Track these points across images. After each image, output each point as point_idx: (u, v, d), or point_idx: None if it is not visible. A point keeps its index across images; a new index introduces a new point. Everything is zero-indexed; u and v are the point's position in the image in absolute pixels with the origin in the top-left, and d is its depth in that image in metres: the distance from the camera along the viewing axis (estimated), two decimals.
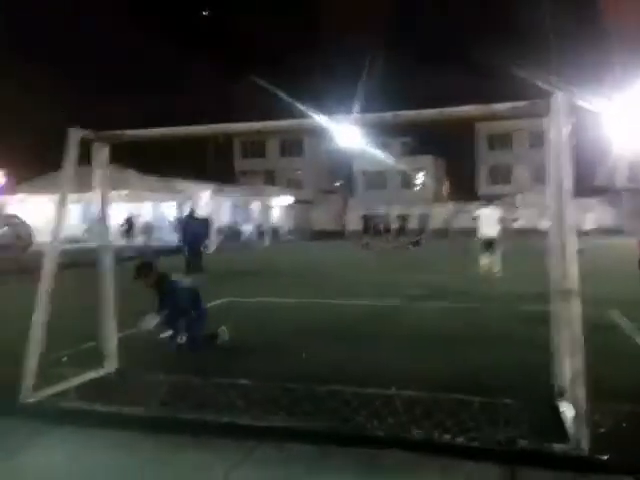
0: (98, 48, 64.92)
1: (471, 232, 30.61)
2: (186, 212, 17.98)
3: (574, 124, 3.88)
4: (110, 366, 5.44)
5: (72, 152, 4.85)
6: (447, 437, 3.82)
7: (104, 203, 5.41)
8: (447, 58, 75.61)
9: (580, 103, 3.78)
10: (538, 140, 46.40)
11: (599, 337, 6.63)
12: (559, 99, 3.80)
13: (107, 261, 5.40)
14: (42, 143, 36.13)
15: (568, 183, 3.80)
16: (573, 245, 3.85)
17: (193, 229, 15.77)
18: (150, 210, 31.39)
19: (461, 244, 21.99)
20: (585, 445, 3.58)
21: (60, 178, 4.90)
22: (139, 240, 25.75)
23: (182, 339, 6.30)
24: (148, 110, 43.91)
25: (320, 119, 4.48)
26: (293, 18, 70.63)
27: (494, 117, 4.02)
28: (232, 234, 35.88)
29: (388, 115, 4.34)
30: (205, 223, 17.11)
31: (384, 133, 43.54)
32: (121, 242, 22.91)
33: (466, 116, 4.18)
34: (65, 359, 5.14)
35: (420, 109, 4.22)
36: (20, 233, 25.04)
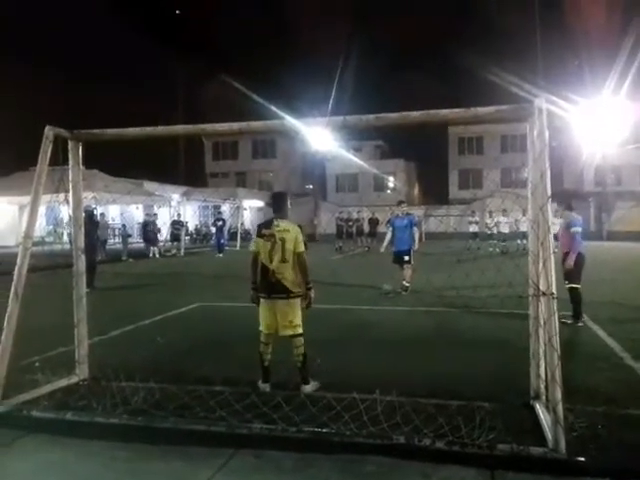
0: (65, 46, 63.60)
1: (441, 235, 30.99)
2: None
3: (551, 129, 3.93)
4: (82, 373, 5.30)
5: (46, 150, 4.73)
6: (427, 442, 3.81)
7: (77, 204, 5.27)
8: (422, 63, 76.29)
9: (561, 108, 3.82)
10: (509, 145, 47.36)
11: (569, 339, 6.75)
12: (542, 103, 3.84)
13: (80, 264, 5.27)
14: (2, 145, 35.24)
15: (547, 187, 3.84)
16: (550, 248, 3.90)
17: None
18: (118, 213, 30.83)
19: (434, 246, 22.12)
20: (563, 447, 3.62)
21: (24, 179, 4.78)
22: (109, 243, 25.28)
23: None
24: (115, 110, 43.12)
25: (300, 121, 4.46)
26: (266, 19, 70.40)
27: (478, 120, 4.05)
28: (202, 237, 35.58)
29: (371, 117, 4.32)
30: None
31: (357, 136, 43.76)
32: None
33: (452, 118, 4.19)
34: (37, 365, 4.98)
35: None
36: None
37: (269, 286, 5.03)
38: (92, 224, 13.23)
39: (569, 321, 7.78)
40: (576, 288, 7.97)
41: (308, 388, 4.97)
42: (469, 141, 49.81)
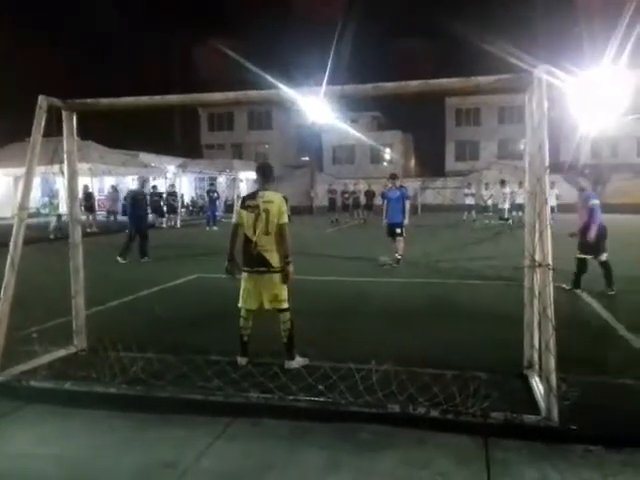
0: (56, 14, 62.26)
1: (438, 207, 30.93)
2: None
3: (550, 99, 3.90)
4: (80, 343, 5.33)
5: (40, 120, 4.67)
6: (422, 410, 3.87)
7: (72, 175, 5.24)
8: (420, 31, 75.25)
9: (560, 79, 3.78)
10: (506, 116, 46.97)
11: (564, 310, 6.80)
12: (541, 73, 3.80)
13: (76, 235, 5.26)
14: None
15: (545, 158, 3.83)
16: (547, 220, 3.90)
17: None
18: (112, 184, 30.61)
19: (432, 219, 22.16)
20: (555, 416, 3.68)
21: (19, 150, 4.75)
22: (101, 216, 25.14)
23: None
24: (109, 78, 42.53)
25: (296, 91, 4.40)
26: None
27: (478, 90, 3.98)
28: (199, 209, 35.45)
29: (368, 87, 4.26)
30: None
31: (354, 107, 43.35)
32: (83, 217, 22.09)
33: (451, 88, 4.13)
34: (34, 336, 5.01)
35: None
36: None
37: (251, 259, 4.89)
38: (142, 196, 13.79)
39: (611, 292, 8.12)
40: (600, 260, 8.23)
41: (294, 364, 4.87)
42: (466, 112, 49.44)
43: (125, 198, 17.18)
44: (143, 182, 14.04)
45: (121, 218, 22.43)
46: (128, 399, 4.26)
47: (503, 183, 22.78)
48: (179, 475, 3.31)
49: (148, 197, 25.99)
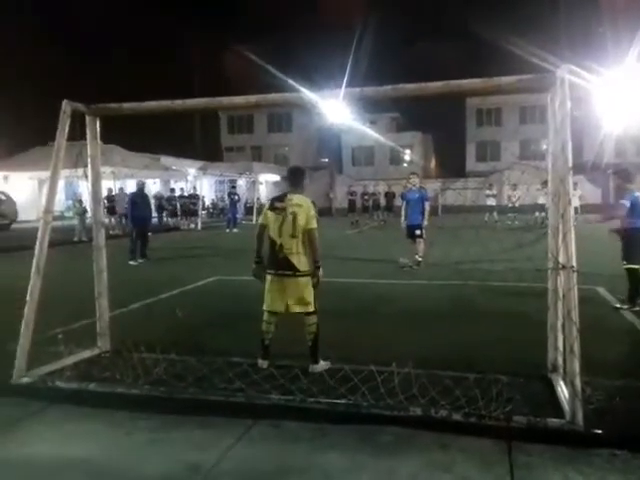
0: (79, 17, 62.96)
1: (458, 208, 30.70)
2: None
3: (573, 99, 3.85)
4: (104, 344, 5.40)
5: (64, 124, 4.75)
6: (443, 413, 3.85)
7: (96, 178, 5.31)
8: (440, 32, 74.74)
9: (583, 78, 3.73)
10: (528, 116, 46.44)
11: (588, 313, 6.71)
12: (564, 73, 3.76)
13: (100, 238, 5.33)
14: (22, 120, 35.41)
15: (568, 159, 3.78)
16: (570, 221, 3.85)
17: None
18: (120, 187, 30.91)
19: (453, 220, 21.96)
20: (580, 420, 3.63)
21: (43, 154, 4.84)
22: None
23: None
24: (131, 81, 42.97)
25: (316, 94, 4.41)
26: None
27: (499, 90, 3.94)
28: (219, 211, 35.70)
29: (388, 88, 4.26)
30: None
31: (372, 109, 43.23)
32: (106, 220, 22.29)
33: (472, 89, 4.10)
34: (59, 337, 5.08)
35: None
36: (5, 210, 24.65)
37: (276, 262, 4.88)
38: (143, 197, 14.10)
39: (618, 305, 7.37)
40: (633, 269, 7.27)
41: (317, 367, 4.87)
42: (487, 112, 49.03)
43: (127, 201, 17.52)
44: (142, 185, 14.32)
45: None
46: (150, 400, 4.30)
47: (545, 183, 22.57)
48: (201, 478, 3.33)
49: (165, 200, 26.27)
